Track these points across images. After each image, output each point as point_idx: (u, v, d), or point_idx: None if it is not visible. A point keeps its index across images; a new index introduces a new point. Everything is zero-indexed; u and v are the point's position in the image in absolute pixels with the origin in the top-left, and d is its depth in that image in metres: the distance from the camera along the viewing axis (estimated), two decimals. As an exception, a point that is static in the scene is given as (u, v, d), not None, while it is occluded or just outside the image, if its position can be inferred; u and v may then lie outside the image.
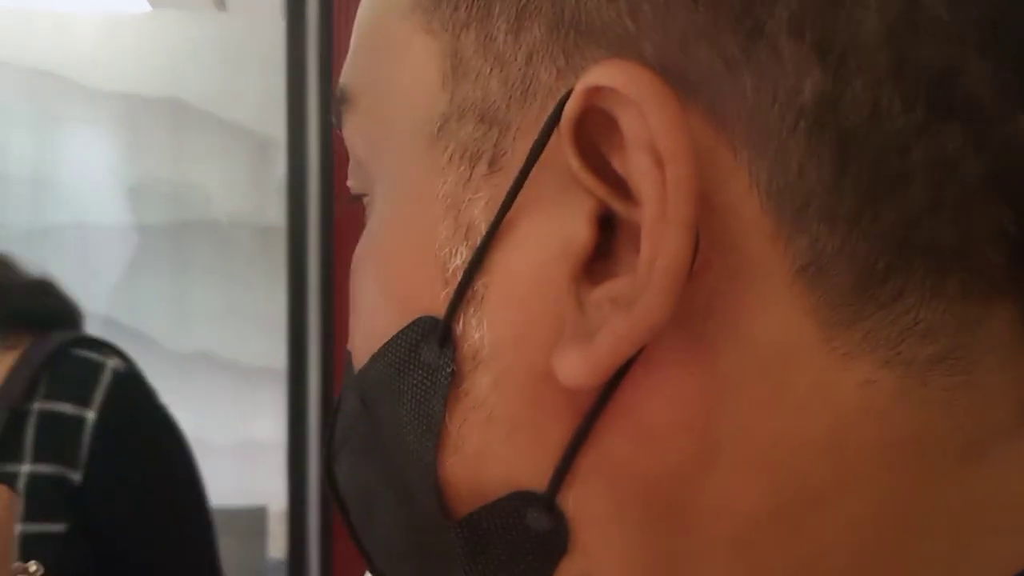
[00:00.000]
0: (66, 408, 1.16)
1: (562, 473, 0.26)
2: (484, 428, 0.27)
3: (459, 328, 0.27)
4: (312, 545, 2.17)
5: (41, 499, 1.13)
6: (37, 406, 1.17)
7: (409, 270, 0.29)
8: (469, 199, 0.27)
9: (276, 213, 2.47)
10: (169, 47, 2.74)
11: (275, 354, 2.15)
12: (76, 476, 1.14)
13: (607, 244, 0.25)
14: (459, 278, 0.27)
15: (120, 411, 1.18)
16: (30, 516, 1.12)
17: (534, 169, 0.25)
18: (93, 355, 1.21)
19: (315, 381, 2.29)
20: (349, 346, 0.33)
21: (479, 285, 0.27)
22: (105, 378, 1.17)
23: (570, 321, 0.25)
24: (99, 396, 1.17)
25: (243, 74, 2.71)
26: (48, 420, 1.16)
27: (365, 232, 0.33)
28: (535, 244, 0.26)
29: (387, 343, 0.29)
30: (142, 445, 1.20)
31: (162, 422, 1.25)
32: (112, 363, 1.20)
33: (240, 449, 2.75)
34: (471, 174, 0.27)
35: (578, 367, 0.25)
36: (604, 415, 0.25)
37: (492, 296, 0.26)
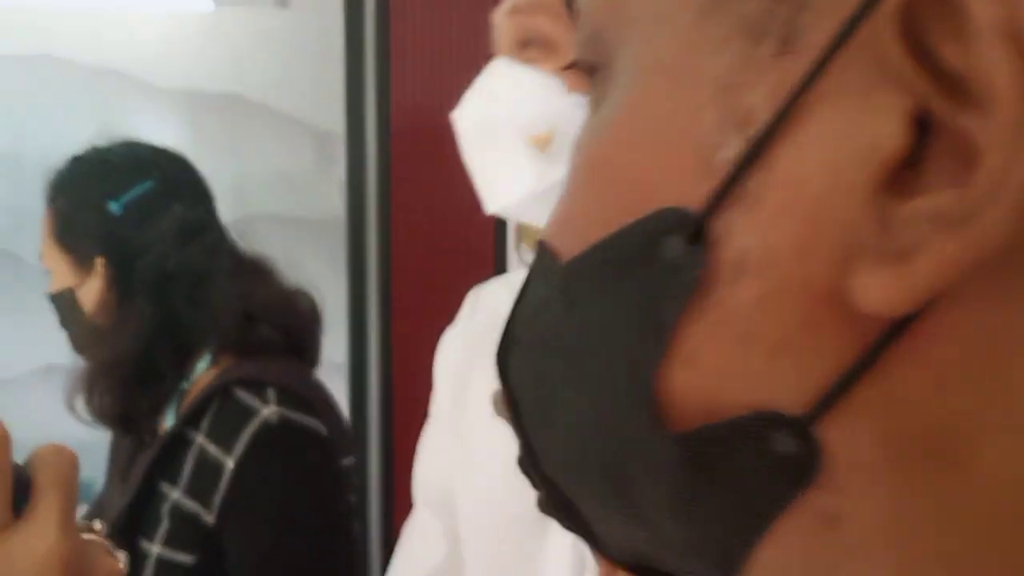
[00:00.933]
0: (213, 450, 1.18)
1: (830, 400, 0.23)
2: (734, 346, 0.24)
3: (719, 228, 0.24)
4: (374, 527, 2.19)
5: (179, 528, 1.17)
6: (199, 439, 1.19)
7: (657, 156, 0.25)
8: (748, 83, 0.23)
9: (336, 207, 2.49)
10: (232, 44, 2.77)
11: (336, 348, 2.16)
12: (210, 518, 1.17)
13: (918, 151, 0.22)
14: (727, 172, 0.24)
15: (257, 465, 1.16)
16: (166, 541, 1.15)
17: (839, 54, 0.22)
18: (251, 399, 1.20)
19: (375, 374, 2.31)
20: (548, 234, 0.30)
21: (753, 183, 0.23)
22: (251, 427, 1.16)
23: (871, 237, 0.22)
24: (241, 446, 1.16)
25: (304, 69, 2.73)
26: (201, 456, 1.18)
27: (598, 108, 0.29)
28: (831, 143, 0.22)
29: (617, 232, 0.26)
30: (270, 503, 1.17)
31: (297, 483, 1.21)
32: (267, 412, 1.18)
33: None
34: (753, 54, 0.23)
35: (889, 290, 0.22)
36: (893, 347, 0.22)
37: (771, 198, 0.23)
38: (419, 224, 2.24)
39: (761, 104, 0.23)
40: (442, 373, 1.01)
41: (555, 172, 0.82)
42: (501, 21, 0.84)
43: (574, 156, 0.29)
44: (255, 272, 1.32)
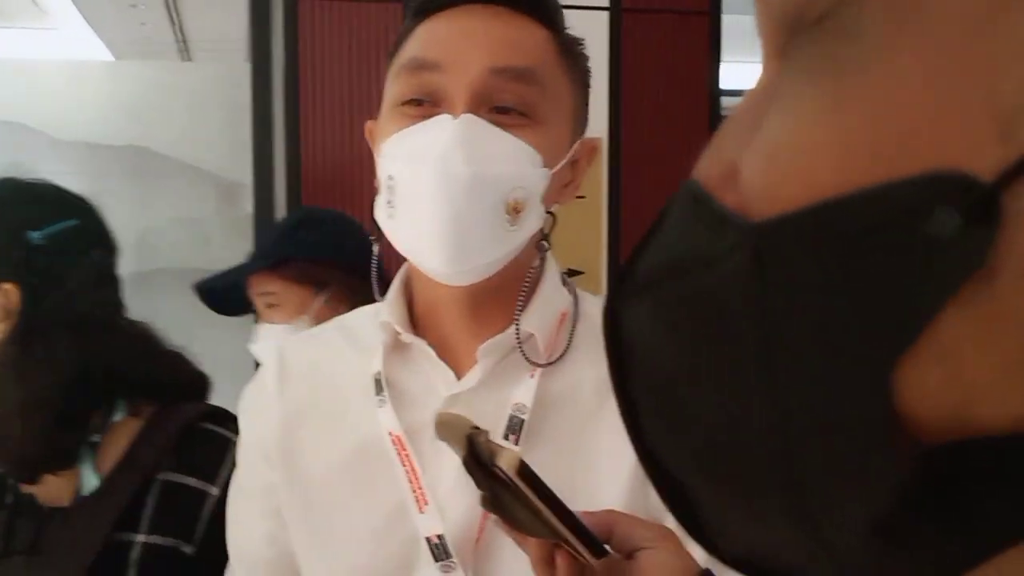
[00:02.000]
0: (191, 482, 1.17)
1: None
2: (1012, 354, 0.20)
3: (1011, 206, 0.19)
4: None
5: (154, 568, 1.13)
6: (161, 477, 1.17)
7: (939, 107, 0.21)
8: None
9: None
10: (133, 95, 2.74)
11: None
12: (189, 549, 1.15)
13: None
14: None
15: None
16: None
17: None
18: (222, 431, 1.21)
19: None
20: (724, 178, 0.25)
21: None
22: (232, 455, 1.16)
23: None
24: (225, 473, 1.15)
25: (210, 120, 2.71)
26: (171, 492, 1.16)
27: (822, 63, 0.24)
28: None
29: (864, 191, 0.21)
30: None
31: None
32: None
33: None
34: None
35: None
36: None
37: None
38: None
39: None
40: (256, 442, 0.96)
41: (516, 240, 0.83)
42: (476, 75, 0.83)
43: (788, 100, 0.24)
44: (147, 330, 1.32)
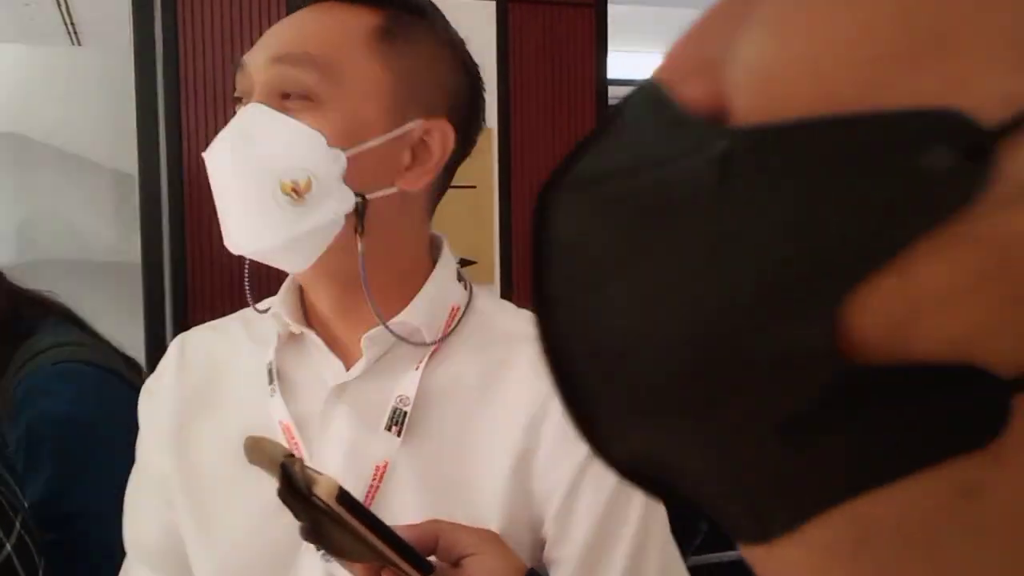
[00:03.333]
0: None
1: None
2: (975, 277, 0.20)
3: (1009, 149, 0.19)
4: None
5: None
6: None
7: (944, 36, 0.20)
8: None
9: (131, 248, 2.42)
10: (14, 81, 2.65)
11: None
12: None
13: None
14: None
15: None
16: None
17: None
18: None
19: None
20: (681, 76, 0.24)
21: None
22: None
23: None
24: None
25: (95, 109, 2.64)
26: None
27: None
28: None
29: (855, 116, 0.21)
30: None
31: None
32: None
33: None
34: None
35: None
36: None
37: None
38: (215, 265, 2.21)
39: None
40: (152, 429, 0.97)
41: (308, 222, 0.84)
42: (260, 67, 0.86)
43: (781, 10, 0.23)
44: None
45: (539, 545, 0.88)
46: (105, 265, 2.63)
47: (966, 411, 0.21)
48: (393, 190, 0.88)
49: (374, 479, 0.86)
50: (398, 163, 0.88)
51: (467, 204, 2.26)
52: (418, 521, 0.80)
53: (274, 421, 0.90)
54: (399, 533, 0.70)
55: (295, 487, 0.65)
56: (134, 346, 2.29)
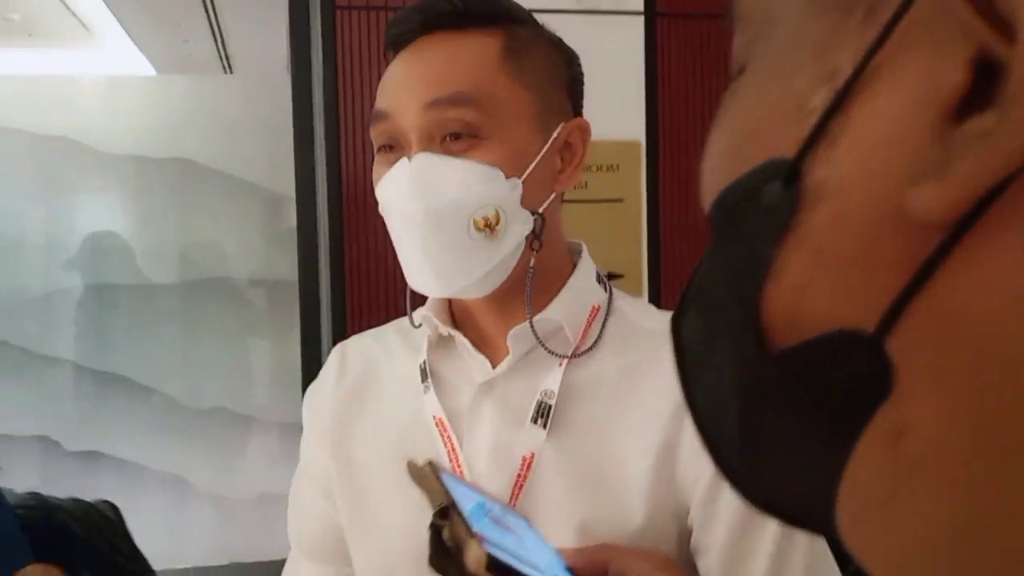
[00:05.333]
0: None
1: (895, 314, 0.25)
2: (812, 262, 0.27)
3: (807, 167, 0.27)
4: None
5: None
6: None
7: (767, 111, 0.29)
8: (839, 45, 0.27)
9: (286, 268, 2.50)
10: (175, 109, 2.79)
11: (291, 408, 2.15)
12: None
13: (979, 91, 0.24)
14: (815, 118, 0.27)
15: None
16: None
17: (907, 16, 0.26)
18: None
19: (331, 432, 2.29)
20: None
21: (835, 127, 0.27)
22: None
23: (932, 159, 0.25)
24: None
25: (251, 134, 2.75)
26: None
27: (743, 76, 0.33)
28: (901, 87, 0.26)
29: (731, 185, 0.30)
30: None
31: None
32: None
33: (256, 502, 2.74)
34: (844, 22, 0.28)
35: (935, 198, 0.24)
36: (947, 260, 0.25)
37: (847, 135, 0.27)
38: (371, 283, 2.26)
39: (846, 61, 0.27)
40: (315, 429, 1.03)
41: (502, 251, 0.88)
42: (413, 114, 0.87)
43: (715, 129, 0.33)
44: None
45: (685, 535, 0.89)
46: (264, 283, 2.74)
47: (861, 368, 0.26)
48: (553, 196, 0.92)
49: (521, 469, 0.89)
50: (553, 170, 0.92)
51: (615, 218, 2.26)
52: (564, 510, 0.82)
53: (428, 416, 0.94)
54: (567, 558, 0.69)
55: (446, 550, 0.65)
56: (292, 363, 2.36)
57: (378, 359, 1.02)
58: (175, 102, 2.82)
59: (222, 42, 4.37)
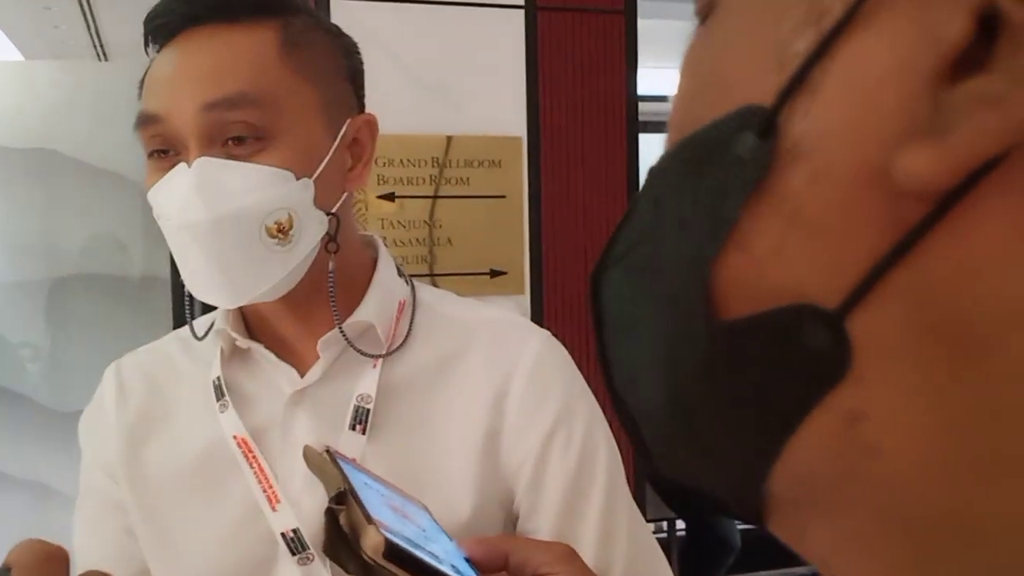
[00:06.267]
0: None
1: (865, 288, 0.23)
2: (783, 227, 0.25)
3: (785, 120, 0.25)
4: None
5: None
6: None
7: (742, 57, 0.27)
8: None
9: (161, 264, 2.42)
10: (43, 96, 2.67)
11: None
12: None
13: (980, 47, 0.22)
14: (798, 63, 0.25)
15: None
16: None
17: None
18: None
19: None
20: (666, 143, 0.30)
21: (818, 71, 0.24)
22: None
23: (924, 118, 0.22)
24: None
25: (124, 124, 2.65)
26: None
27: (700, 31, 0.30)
28: (896, 35, 0.23)
29: (695, 133, 0.27)
30: None
31: None
32: None
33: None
34: None
35: (928, 163, 0.22)
36: (932, 231, 0.22)
37: (831, 84, 0.24)
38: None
39: (837, 3, 0.24)
40: (97, 456, 0.96)
41: (297, 255, 0.84)
42: (190, 116, 0.80)
43: (681, 74, 0.30)
44: None
45: (511, 521, 0.90)
46: (134, 280, 2.64)
47: (817, 346, 0.24)
48: (345, 195, 0.88)
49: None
50: (343, 168, 0.88)
51: (497, 214, 2.25)
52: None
53: (227, 436, 0.89)
54: (466, 548, 0.68)
55: (342, 536, 0.62)
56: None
57: (160, 377, 0.96)
58: (42, 88, 2.70)
59: (95, 28, 4.21)
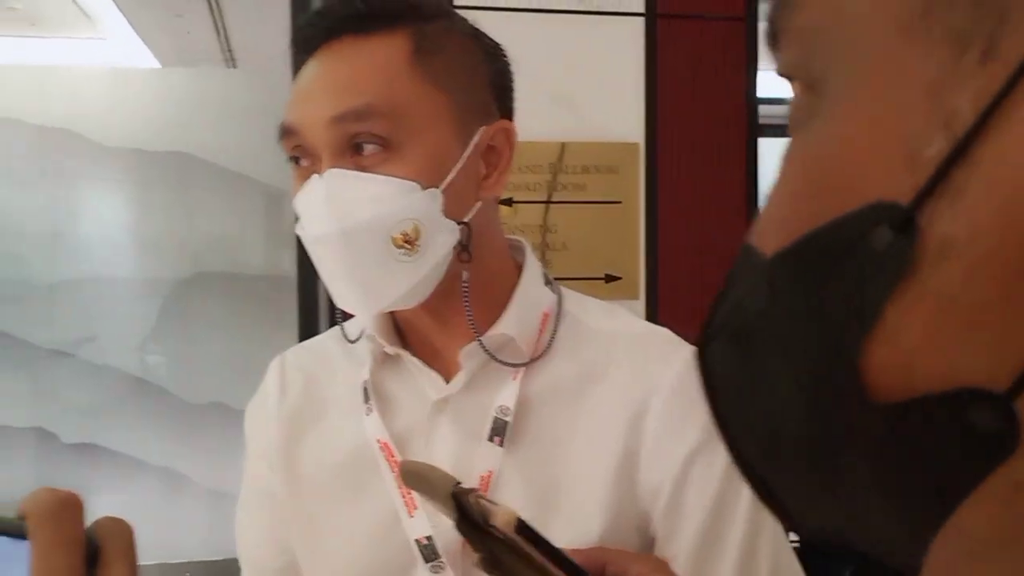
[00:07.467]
0: None
1: None
2: (935, 318, 0.26)
3: (925, 218, 0.26)
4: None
5: None
6: None
7: (867, 154, 0.28)
8: (954, 87, 0.26)
9: (286, 264, 2.51)
10: (178, 102, 2.78)
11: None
12: None
13: None
14: (933, 168, 0.26)
15: None
16: None
17: None
18: None
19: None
20: (752, 237, 0.32)
21: (958, 176, 0.25)
22: None
23: None
24: None
25: (252, 128, 2.75)
26: None
27: (803, 113, 0.31)
28: None
29: (826, 226, 0.28)
30: None
31: None
32: None
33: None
34: (960, 61, 0.26)
35: None
36: None
37: (976, 186, 0.25)
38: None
39: (966, 106, 0.25)
40: (257, 446, 0.99)
41: (425, 265, 0.84)
42: (320, 129, 0.83)
43: (784, 164, 0.32)
44: None
45: (648, 545, 0.87)
46: (261, 279, 2.73)
47: (984, 427, 0.25)
48: (479, 204, 0.88)
49: (480, 489, 0.86)
50: (477, 176, 0.88)
51: (612, 219, 2.26)
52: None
53: (371, 439, 0.90)
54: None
55: (471, 518, 0.65)
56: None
57: (319, 374, 0.99)
58: (177, 95, 2.82)
59: (225, 35, 4.37)
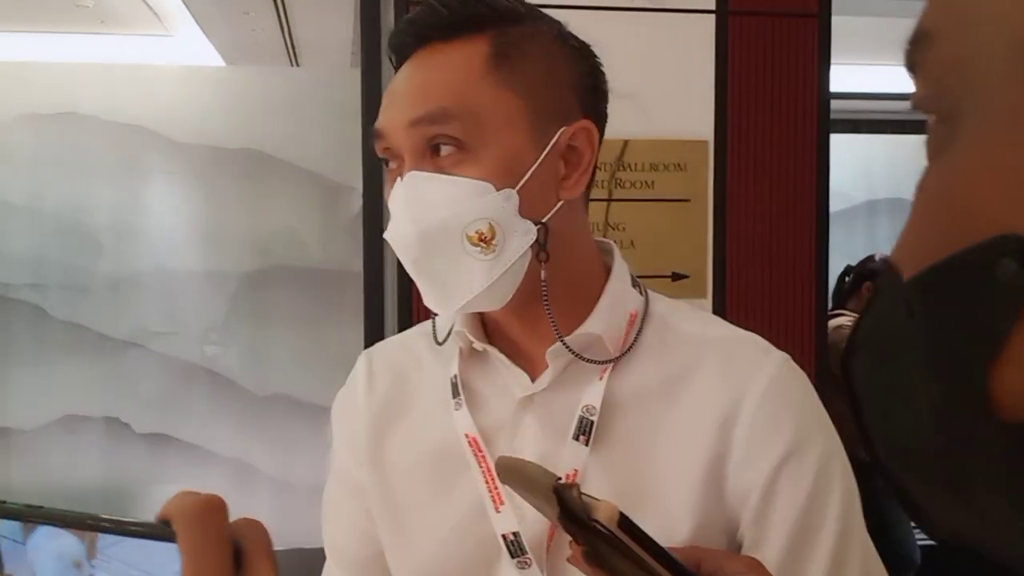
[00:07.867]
0: None
1: None
2: None
3: None
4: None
5: None
6: None
7: (991, 188, 0.29)
8: None
9: (354, 259, 2.54)
10: (243, 99, 2.83)
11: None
12: None
13: None
14: None
15: None
16: None
17: None
18: None
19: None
20: (894, 255, 0.34)
21: None
22: None
23: None
24: None
25: (317, 124, 2.78)
26: None
27: (937, 144, 0.33)
28: None
29: (956, 256, 0.30)
30: None
31: None
32: None
33: (321, 490, 2.76)
34: None
35: None
36: None
37: None
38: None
39: None
40: (347, 440, 1.01)
41: (502, 264, 0.86)
42: (400, 133, 0.86)
43: (919, 193, 0.34)
44: None
45: (734, 550, 0.87)
46: (330, 273, 2.77)
47: None
48: (560, 204, 0.89)
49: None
50: (556, 177, 0.89)
51: (680, 217, 2.26)
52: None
53: (459, 433, 0.92)
54: None
55: (572, 512, 0.66)
56: (355, 352, 2.38)
57: (407, 369, 1.00)
58: (244, 92, 2.86)
59: (289, 33, 4.42)
